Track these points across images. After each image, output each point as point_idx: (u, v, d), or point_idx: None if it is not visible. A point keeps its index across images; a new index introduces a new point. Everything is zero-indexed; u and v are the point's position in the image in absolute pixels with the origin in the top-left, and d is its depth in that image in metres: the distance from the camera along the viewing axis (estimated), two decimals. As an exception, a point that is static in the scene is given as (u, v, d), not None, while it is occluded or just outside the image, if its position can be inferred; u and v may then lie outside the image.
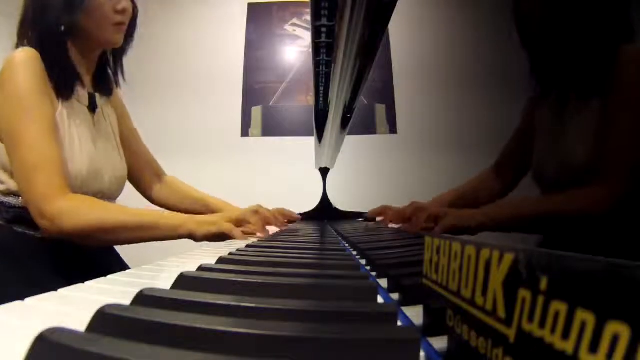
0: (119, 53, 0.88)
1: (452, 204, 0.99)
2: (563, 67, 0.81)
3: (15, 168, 0.68)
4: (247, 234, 0.74)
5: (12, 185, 0.73)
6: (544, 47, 0.81)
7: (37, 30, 0.73)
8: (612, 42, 0.73)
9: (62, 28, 0.73)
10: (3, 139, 0.70)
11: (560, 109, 0.84)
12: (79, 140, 0.76)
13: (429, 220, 0.78)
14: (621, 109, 0.71)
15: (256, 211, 0.80)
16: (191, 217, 0.73)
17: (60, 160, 0.69)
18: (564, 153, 0.81)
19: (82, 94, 0.80)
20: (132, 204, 0.79)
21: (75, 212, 0.66)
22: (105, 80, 0.88)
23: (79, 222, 0.66)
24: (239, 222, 0.76)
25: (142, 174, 0.99)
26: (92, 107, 0.83)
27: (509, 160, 1.04)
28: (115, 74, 0.90)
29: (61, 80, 0.74)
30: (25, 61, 0.69)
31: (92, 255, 0.80)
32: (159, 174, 1.03)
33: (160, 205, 1.02)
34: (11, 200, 0.73)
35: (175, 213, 0.77)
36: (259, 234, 0.77)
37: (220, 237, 0.72)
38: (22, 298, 0.26)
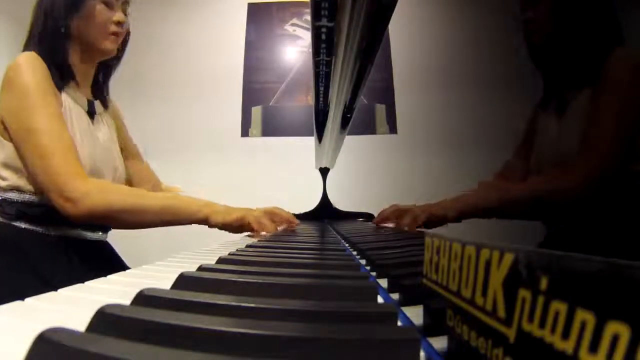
0: (107, 72, 0.92)
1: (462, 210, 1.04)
2: (567, 72, 0.89)
3: (30, 157, 0.70)
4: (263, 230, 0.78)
5: (14, 181, 0.74)
6: (552, 60, 0.90)
7: (41, 33, 0.78)
8: (607, 47, 0.81)
9: (62, 30, 0.78)
10: (11, 137, 0.73)
11: (559, 112, 0.90)
12: (81, 137, 0.79)
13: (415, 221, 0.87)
14: (606, 101, 0.79)
15: (272, 212, 0.85)
16: (208, 204, 0.77)
17: (74, 147, 0.72)
18: (560, 151, 0.87)
19: (80, 98, 0.83)
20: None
21: (100, 192, 0.69)
22: (101, 92, 0.92)
23: (102, 202, 0.68)
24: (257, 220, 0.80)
25: (140, 186, 1.01)
26: (91, 113, 0.86)
27: (513, 171, 1.08)
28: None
29: (59, 75, 0.77)
30: (28, 62, 0.73)
31: (93, 249, 0.83)
32: (157, 186, 1.05)
33: None
34: (13, 195, 0.75)
35: (194, 198, 0.79)
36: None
37: (236, 228, 0.75)
38: (25, 294, 0.26)
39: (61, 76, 0.78)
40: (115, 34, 0.82)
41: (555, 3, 0.85)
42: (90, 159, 0.79)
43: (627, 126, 0.77)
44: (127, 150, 0.99)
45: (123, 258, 0.93)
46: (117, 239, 0.94)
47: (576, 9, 0.84)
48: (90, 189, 0.68)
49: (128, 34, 0.89)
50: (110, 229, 0.90)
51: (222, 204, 0.79)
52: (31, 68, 0.72)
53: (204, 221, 0.75)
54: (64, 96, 0.78)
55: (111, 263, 0.87)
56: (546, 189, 0.81)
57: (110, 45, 0.82)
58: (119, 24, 0.82)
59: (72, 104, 0.80)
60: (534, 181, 0.89)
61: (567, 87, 0.89)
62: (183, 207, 0.75)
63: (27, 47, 0.79)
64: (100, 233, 0.86)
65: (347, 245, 0.66)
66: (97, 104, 0.88)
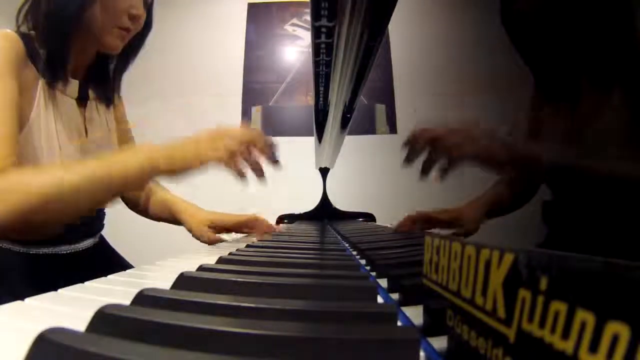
0: (119, 69, 0.81)
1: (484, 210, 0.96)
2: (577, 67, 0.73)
3: None
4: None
5: None
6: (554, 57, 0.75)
7: (43, 13, 0.66)
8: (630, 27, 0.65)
9: (71, 14, 0.65)
10: None
11: (572, 103, 0.76)
12: (59, 140, 0.68)
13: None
14: None
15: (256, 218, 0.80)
16: (155, 148, 0.61)
17: (11, 137, 0.58)
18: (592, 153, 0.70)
19: (70, 84, 0.72)
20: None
21: (6, 194, 0.51)
22: (103, 84, 0.80)
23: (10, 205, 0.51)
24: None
25: (138, 194, 0.93)
26: (83, 98, 0.74)
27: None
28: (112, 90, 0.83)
29: (49, 67, 0.66)
30: None
31: (86, 258, 0.76)
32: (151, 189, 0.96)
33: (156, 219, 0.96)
34: None
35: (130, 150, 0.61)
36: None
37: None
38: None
39: (51, 64, 0.66)
40: (125, 29, 0.70)
41: None
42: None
43: None
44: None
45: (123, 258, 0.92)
46: (116, 239, 0.94)
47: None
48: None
49: (146, 31, 0.77)
50: (100, 230, 0.83)
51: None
52: None
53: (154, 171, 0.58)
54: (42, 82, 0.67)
55: (111, 264, 0.82)
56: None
57: (113, 41, 0.70)
58: (133, 18, 0.70)
59: (58, 103, 0.69)
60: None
61: (580, 80, 0.73)
62: (118, 166, 0.55)
63: (18, 18, 0.68)
64: (90, 240, 0.79)
65: (347, 245, 0.66)
66: (92, 91, 0.77)
